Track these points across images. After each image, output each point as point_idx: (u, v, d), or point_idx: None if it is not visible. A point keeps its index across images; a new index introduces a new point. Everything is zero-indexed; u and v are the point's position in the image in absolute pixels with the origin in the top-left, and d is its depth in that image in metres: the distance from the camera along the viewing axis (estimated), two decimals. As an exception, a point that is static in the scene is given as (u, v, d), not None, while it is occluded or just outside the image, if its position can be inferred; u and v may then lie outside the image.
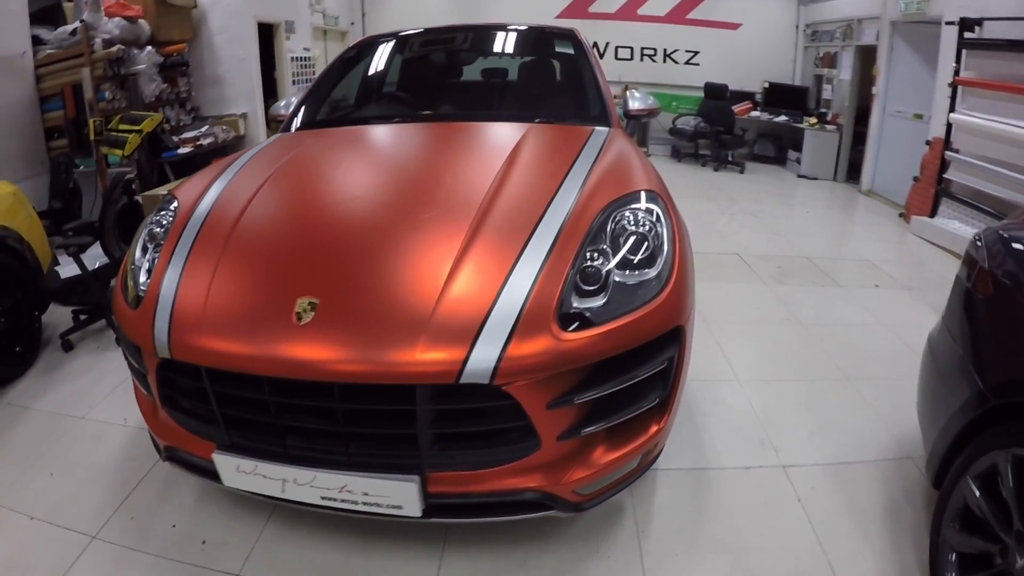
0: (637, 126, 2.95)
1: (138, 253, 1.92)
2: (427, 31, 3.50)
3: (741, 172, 7.79)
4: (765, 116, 8.19)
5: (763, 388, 2.73)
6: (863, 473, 2.17)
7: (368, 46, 3.41)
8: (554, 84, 3.32)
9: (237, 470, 1.60)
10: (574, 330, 1.51)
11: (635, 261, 1.66)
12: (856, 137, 7.32)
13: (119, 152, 4.05)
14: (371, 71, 3.28)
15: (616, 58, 8.68)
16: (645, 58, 8.65)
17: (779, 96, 8.24)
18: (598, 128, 2.50)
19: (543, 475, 1.57)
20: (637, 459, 1.68)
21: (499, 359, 1.44)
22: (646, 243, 1.70)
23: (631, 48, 8.64)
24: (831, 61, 7.79)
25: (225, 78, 6.05)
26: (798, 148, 7.68)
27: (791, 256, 4.60)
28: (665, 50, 8.61)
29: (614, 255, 1.66)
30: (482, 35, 3.57)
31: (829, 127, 7.46)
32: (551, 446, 1.54)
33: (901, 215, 5.80)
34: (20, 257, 3.04)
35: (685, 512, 2.01)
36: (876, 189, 6.77)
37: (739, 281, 4.08)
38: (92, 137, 4.21)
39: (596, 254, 1.66)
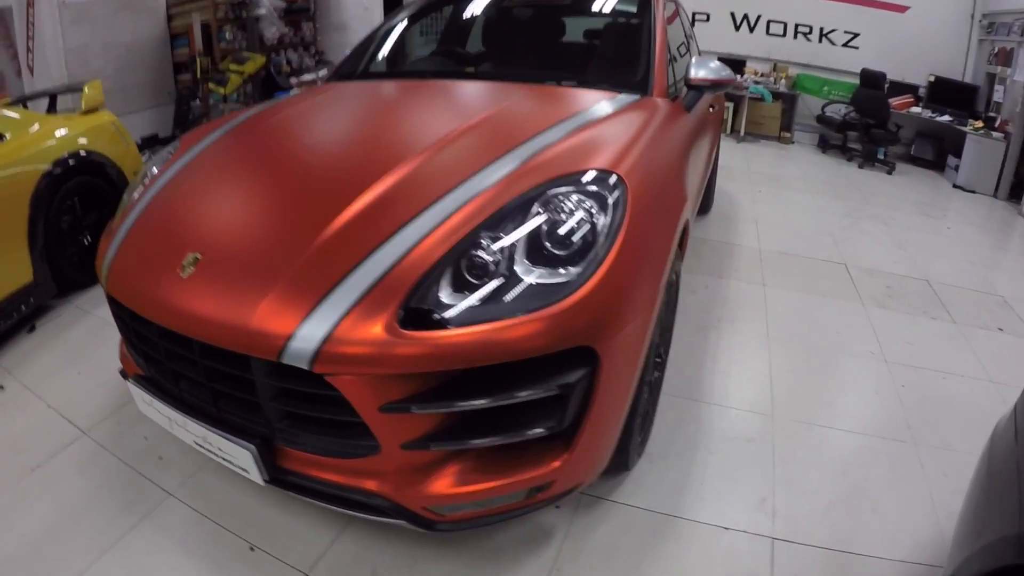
0: (697, 97, 2.44)
1: (134, 194, 1.95)
2: None
3: (889, 173, 6.63)
4: (926, 113, 6.83)
5: (799, 432, 2.20)
6: (874, 573, 1.65)
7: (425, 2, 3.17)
8: (600, 45, 2.89)
9: (142, 400, 1.65)
10: (415, 328, 1.22)
11: (558, 257, 1.30)
12: (1026, 149, 5.88)
13: (222, 90, 4.14)
14: (419, 25, 3.03)
15: (768, 33, 7.58)
16: (799, 36, 7.47)
17: (945, 92, 6.81)
18: (624, 95, 2.11)
19: (388, 482, 1.36)
20: (522, 493, 1.38)
21: (324, 340, 1.22)
22: (576, 236, 1.33)
23: (784, 24, 7.48)
24: (1006, 58, 6.27)
25: (348, 25, 6.04)
26: (959, 154, 6.37)
27: (908, 276, 3.78)
28: (822, 29, 7.38)
29: (527, 244, 1.31)
30: None
31: (996, 134, 6.06)
32: (394, 453, 1.32)
33: (1064, 248, 4.61)
34: (112, 182, 3.21)
35: (621, 562, 1.64)
36: (1042, 213, 5.45)
37: (831, 295, 3.40)
38: (199, 75, 4.36)
39: (492, 240, 1.33)
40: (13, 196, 2.68)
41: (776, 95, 7.45)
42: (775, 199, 5.33)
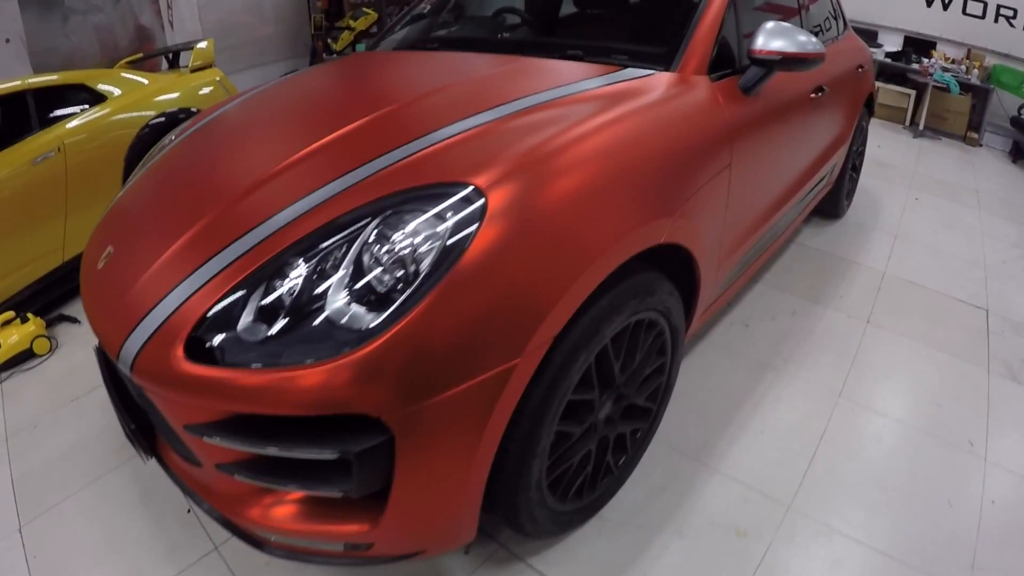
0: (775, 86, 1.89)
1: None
2: None
3: (1094, 197, 5.06)
4: None
5: (812, 537, 1.69)
6: None
7: None
8: (640, 8, 2.39)
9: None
10: (191, 356, 1.11)
11: (377, 295, 1.08)
12: None
13: (336, 45, 4.11)
14: None
15: (964, 13, 6.02)
16: (1001, 19, 5.83)
17: None
18: (631, 70, 1.67)
19: (216, 497, 1.29)
20: (339, 545, 1.22)
21: (146, 341, 1.15)
22: (395, 274, 1.09)
23: (984, 3, 5.87)
24: None
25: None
26: None
27: (1069, 341, 2.82)
28: (1028, 12, 5.70)
29: (351, 274, 1.10)
30: None
31: None
32: (210, 471, 1.23)
33: None
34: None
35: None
36: None
37: (950, 351, 2.61)
38: (312, 31, 4.34)
39: (301, 265, 1.13)
40: (111, 152, 2.87)
41: (965, 87, 5.95)
42: (931, 211, 4.28)
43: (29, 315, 2.56)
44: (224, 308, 1.13)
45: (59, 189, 2.69)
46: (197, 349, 1.11)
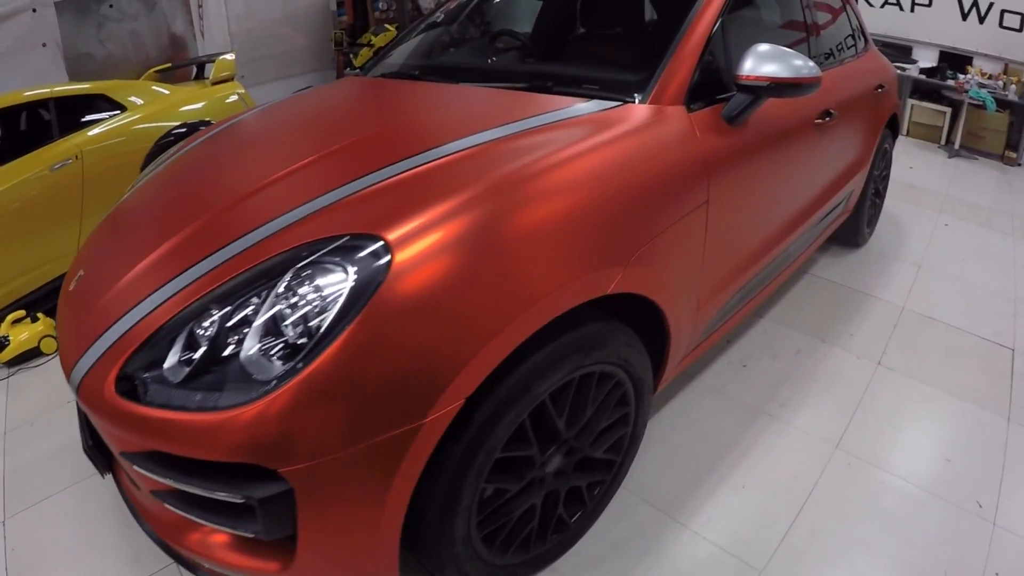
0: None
1: None
2: None
3: None
4: None
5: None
6: None
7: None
8: (614, 40, 2.20)
9: None
10: (122, 390, 1.10)
11: (288, 347, 1.02)
12: None
13: (356, 60, 4.03)
14: (456, 16, 2.51)
15: (1000, 26, 5.56)
16: None
17: None
18: (595, 102, 1.52)
19: (156, 520, 1.27)
20: None
21: (95, 363, 1.14)
22: (297, 328, 1.03)
23: (1021, 16, 5.39)
24: None
25: None
26: None
27: (1105, 388, 2.49)
28: (1072, 25, 5.20)
29: (267, 323, 1.04)
30: None
31: None
32: (147, 495, 1.23)
33: None
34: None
35: None
36: None
37: (967, 397, 2.34)
38: (334, 47, 4.26)
39: (218, 312, 1.08)
40: (128, 161, 2.86)
41: (1003, 104, 5.49)
42: (960, 238, 3.94)
43: (40, 315, 2.57)
44: (152, 346, 1.11)
45: (75, 195, 2.71)
46: (128, 383, 1.12)
